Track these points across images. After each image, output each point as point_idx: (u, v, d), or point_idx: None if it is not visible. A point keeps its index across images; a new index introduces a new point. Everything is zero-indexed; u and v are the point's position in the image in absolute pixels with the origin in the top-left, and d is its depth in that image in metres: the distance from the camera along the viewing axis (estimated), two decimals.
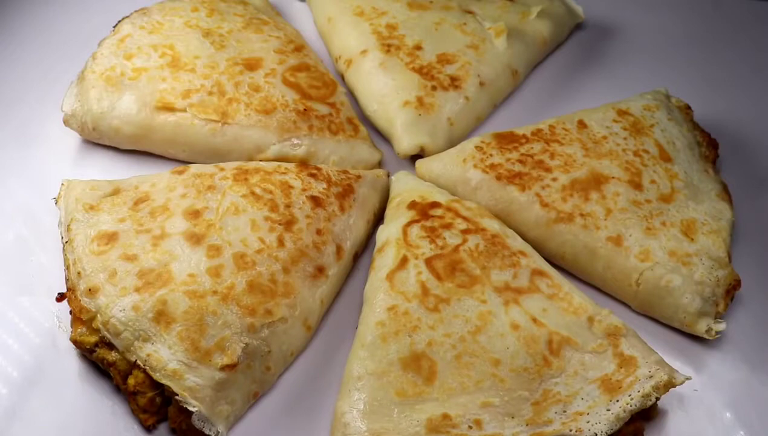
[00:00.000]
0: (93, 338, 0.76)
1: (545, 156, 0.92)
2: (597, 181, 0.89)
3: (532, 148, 0.92)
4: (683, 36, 1.17)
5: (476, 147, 0.93)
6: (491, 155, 0.92)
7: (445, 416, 0.72)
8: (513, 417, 0.73)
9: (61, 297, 0.83)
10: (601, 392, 0.74)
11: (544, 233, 0.88)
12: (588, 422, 0.72)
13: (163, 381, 0.72)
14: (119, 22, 1.02)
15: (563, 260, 0.89)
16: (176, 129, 0.93)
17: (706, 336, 0.81)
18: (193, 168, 0.88)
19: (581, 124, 0.95)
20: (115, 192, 0.85)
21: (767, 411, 0.78)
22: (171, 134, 0.93)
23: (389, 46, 1.01)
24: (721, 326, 0.82)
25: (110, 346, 0.75)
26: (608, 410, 0.73)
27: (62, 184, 0.87)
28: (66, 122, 0.95)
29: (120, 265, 0.77)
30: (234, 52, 0.99)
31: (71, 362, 0.79)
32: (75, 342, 0.76)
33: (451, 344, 0.76)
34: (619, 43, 1.14)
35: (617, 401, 0.73)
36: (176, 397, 0.72)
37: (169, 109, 0.93)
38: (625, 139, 0.94)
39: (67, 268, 0.79)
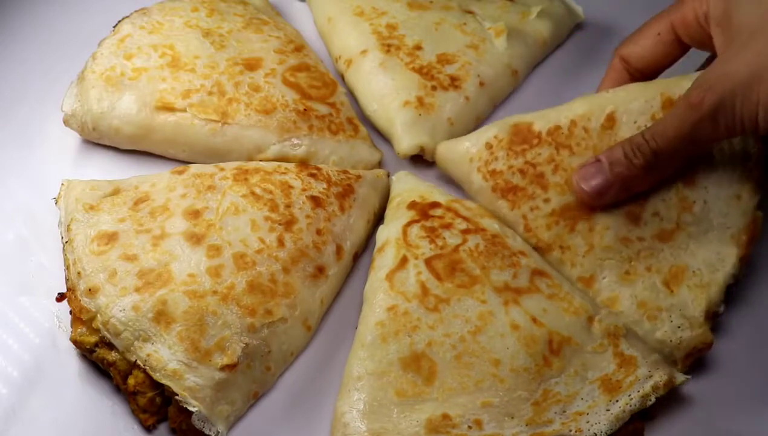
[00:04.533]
0: (93, 338, 0.76)
1: (548, 168, 0.84)
2: (591, 209, 0.83)
3: (540, 154, 0.85)
4: None
5: (487, 144, 0.88)
6: (497, 159, 0.87)
7: (445, 416, 0.72)
8: (513, 417, 0.73)
9: (61, 297, 0.83)
10: (601, 392, 0.74)
11: None
12: (588, 422, 0.72)
13: (163, 381, 0.72)
14: (119, 22, 1.02)
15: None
16: (176, 129, 0.93)
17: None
18: (193, 168, 0.88)
19: (609, 120, 0.84)
20: (115, 192, 0.85)
21: (767, 411, 0.79)
22: (171, 134, 0.93)
23: (389, 46, 1.01)
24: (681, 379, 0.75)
25: (110, 346, 0.75)
26: (608, 410, 0.73)
27: (62, 184, 0.87)
28: (66, 122, 0.95)
29: (120, 265, 0.77)
30: (234, 52, 0.99)
31: (71, 362, 0.79)
32: (75, 342, 0.76)
33: (451, 344, 0.76)
34: (619, 44, 1.14)
35: (617, 401, 0.73)
36: (176, 397, 0.72)
37: (169, 109, 0.93)
38: None
39: (67, 268, 0.79)
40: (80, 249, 0.79)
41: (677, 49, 0.87)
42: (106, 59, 0.96)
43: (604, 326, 0.78)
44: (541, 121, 0.87)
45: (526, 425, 0.72)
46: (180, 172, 0.87)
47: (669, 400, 0.77)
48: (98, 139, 0.96)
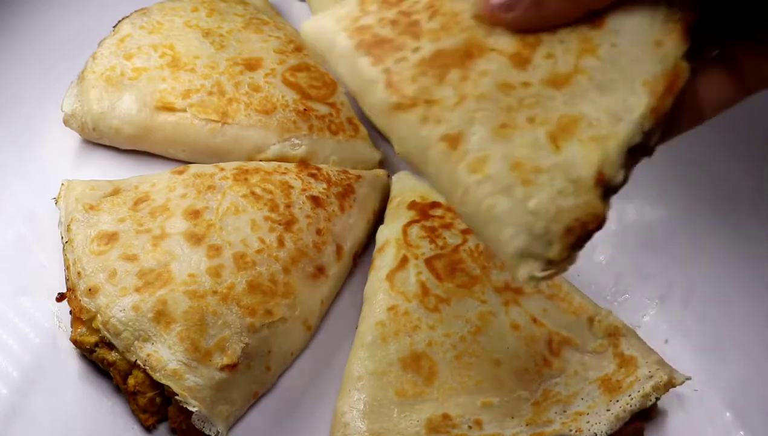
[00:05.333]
0: (93, 338, 0.76)
1: (425, 15, 0.63)
2: (469, 55, 0.61)
3: (417, 1, 0.64)
4: None
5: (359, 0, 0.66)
6: (369, 13, 0.65)
7: (445, 416, 0.72)
8: (513, 417, 0.73)
9: (61, 297, 0.83)
10: (602, 392, 0.74)
11: (387, 125, 0.63)
12: (588, 422, 0.72)
13: (163, 381, 0.72)
14: (119, 22, 1.02)
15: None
16: (176, 129, 0.93)
17: (526, 285, 0.62)
18: (193, 168, 0.88)
19: None
20: (115, 192, 0.85)
21: (767, 411, 0.79)
22: (171, 134, 0.93)
23: None
24: (547, 273, 0.56)
25: (110, 346, 0.75)
26: (608, 410, 0.73)
27: (62, 184, 0.87)
28: (66, 122, 0.95)
29: (120, 265, 0.77)
30: (234, 52, 0.99)
31: (71, 362, 0.79)
32: (75, 342, 0.76)
33: (451, 344, 0.76)
34: None
35: (617, 401, 0.73)
36: (176, 397, 0.72)
37: (169, 109, 0.93)
38: None
39: (67, 268, 0.79)
40: (80, 249, 0.79)
41: None
42: (106, 59, 0.96)
43: (604, 326, 0.78)
44: None
45: (527, 425, 0.72)
46: (180, 173, 0.87)
47: (669, 400, 0.77)
48: (98, 139, 0.96)
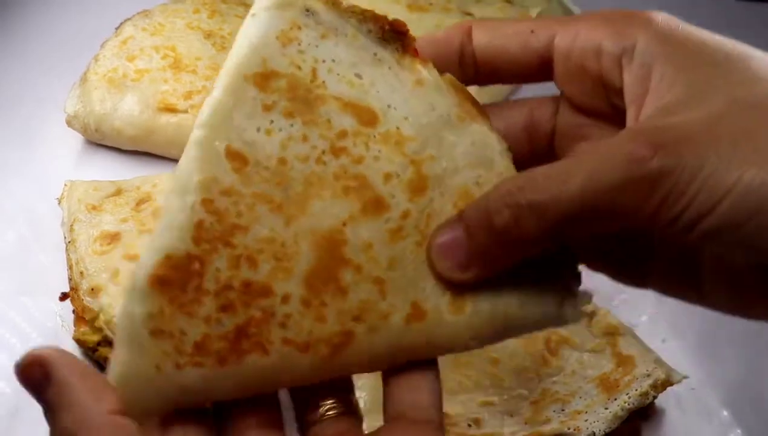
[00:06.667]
0: (95, 337, 0.76)
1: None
2: None
3: None
4: None
5: None
6: None
7: (445, 415, 0.73)
8: (512, 416, 0.73)
9: (63, 297, 0.83)
10: (600, 391, 0.75)
11: None
12: (586, 420, 0.73)
13: None
14: (121, 24, 1.02)
15: None
16: (178, 130, 0.93)
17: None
18: None
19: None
20: (118, 192, 0.86)
21: (764, 410, 0.79)
22: (173, 135, 0.94)
23: None
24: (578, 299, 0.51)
25: (112, 345, 0.75)
26: (606, 408, 0.73)
27: (65, 184, 0.87)
28: (69, 123, 0.95)
29: (123, 265, 0.78)
30: None
31: None
32: (77, 341, 0.77)
33: None
34: None
35: (615, 399, 0.74)
36: None
37: (171, 110, 0.93)
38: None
39: (70, 267, 0.80)
40: (83, 249, 0.80)
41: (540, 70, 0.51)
42: (109, 61, 0.97)
43: (603, 325, 0.78)
44: None
45: (525, 424, 0.73)
46: None
47: (666, 398, 0.77)
48: (101, 140, 0.96)
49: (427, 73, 0.46)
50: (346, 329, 0.44)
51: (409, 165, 0.45)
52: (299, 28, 0.45)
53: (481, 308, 0.46)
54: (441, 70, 0.48)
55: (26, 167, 0.96)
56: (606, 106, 0.48)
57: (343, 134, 0.44)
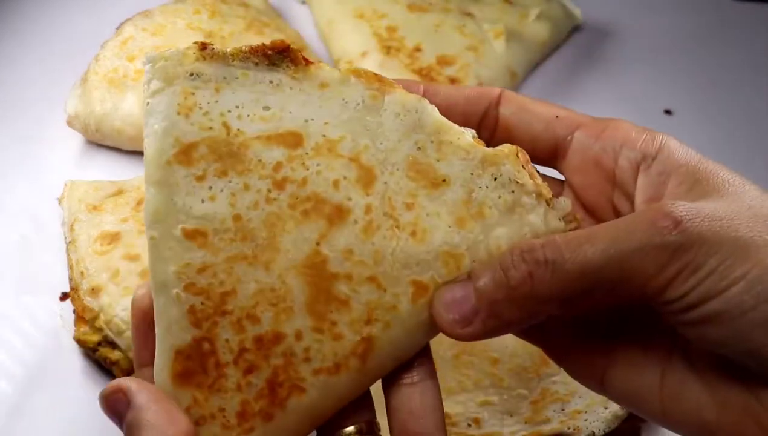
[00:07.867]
0: (96, 337, 0.76)
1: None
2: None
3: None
4: (681, 38, 1.17)
5: None
6: None
7: (445, 415, 0.73)
8: (512, 415, 0.73)
9: (64, 296, 0.83)
10: None
11: None
12: (586, 420, 0.73)
13: None
14: (122, 24, 1.02)
15: None
16: None
17: None
18: None
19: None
20: (118, 192, 0.86)
21: None
22: None
23: (389, 47, 1.02)
24: None
25: (113, 345, 0.76)
26: (606, 408, 0.74)
27: (65, 184, 0.87)
28: (69, 123, 0.95)
29: (123, 265, 0.78)
30: None
31: (74, 361, 0.79)
32: (78, 341, 0.77)
33: (450, 343, 0.77)
34: (616, 45, 1.15)
35: None
36: None
37: None
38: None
39: (70, 267, 0.80)
40: (83, 249, 0.80)
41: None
42: (109, 61, 0.97)
43: None
44: None
45: (525, 423, 0.73)
46: None
47: None
48: (101, 140, 0.96)
49: (325, 73, 0.47)
50: (364, 334, 0.46)
51: (350, 164, 0.46)
52: (192, 93, 0.45)
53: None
54: (462, 124, 0.49)
55: (27, 167, 0.96)
56: (606, 203, 0.50)
57: (278, 166, 0.45)
